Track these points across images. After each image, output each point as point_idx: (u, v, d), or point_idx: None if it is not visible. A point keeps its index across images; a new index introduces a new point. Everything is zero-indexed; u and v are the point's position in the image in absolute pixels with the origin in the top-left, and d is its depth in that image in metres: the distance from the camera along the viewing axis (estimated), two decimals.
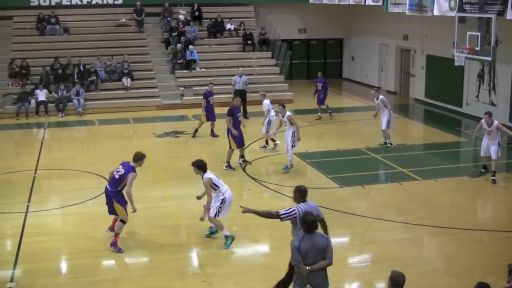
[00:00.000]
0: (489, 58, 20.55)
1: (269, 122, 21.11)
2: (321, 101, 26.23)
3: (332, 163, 19.83)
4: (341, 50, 39.03)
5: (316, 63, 38.33)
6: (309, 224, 8.80)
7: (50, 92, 28.25)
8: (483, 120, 17.56)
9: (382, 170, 19.36)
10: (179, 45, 31.32)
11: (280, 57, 33.10)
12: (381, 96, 21.05)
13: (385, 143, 21.47)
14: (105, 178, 17.72)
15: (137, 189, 16.91)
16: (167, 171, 18.72)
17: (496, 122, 17.41)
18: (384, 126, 21.21)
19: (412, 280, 9.50)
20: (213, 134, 23.07)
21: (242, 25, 33.77)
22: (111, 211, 12.99)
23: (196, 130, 23.19)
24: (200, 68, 31.31)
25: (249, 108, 26.31)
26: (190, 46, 31.41)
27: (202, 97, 23.31)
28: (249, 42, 32.77)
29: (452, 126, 25.06)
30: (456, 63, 21.80)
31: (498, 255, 12.69)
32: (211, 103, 22.99)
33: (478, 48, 20.58)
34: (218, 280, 11.63)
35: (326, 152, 20.94)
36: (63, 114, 27.72)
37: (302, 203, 9.95)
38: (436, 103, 29.20)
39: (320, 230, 9.56)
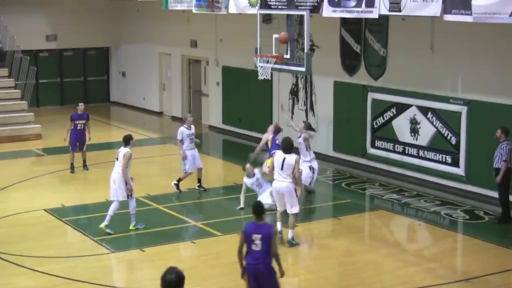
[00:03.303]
0: (303, 69, 21.20)
1: None
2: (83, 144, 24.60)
3: (99, 220, 19.55)
4: (107, 63, 39.20)
5: (74, 83, 38.22)
6: None
7: None
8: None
9: (169, 225, 19.29)
10: None
11: (21, 76, 32.58)
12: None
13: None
14: None
15: None
16: None
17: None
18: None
19: None
20: None
21: None
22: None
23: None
24: None
25: None
26: None
27: None
28: None
29: (259, 159, 25.51)
30: (261, 77, 22.23)
31: None
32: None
33: (288, 56, 21.22)
34: None
35: (91, 205, 20.69)
36: None
37: None
38: (237, 130, 29.81)
39: None
